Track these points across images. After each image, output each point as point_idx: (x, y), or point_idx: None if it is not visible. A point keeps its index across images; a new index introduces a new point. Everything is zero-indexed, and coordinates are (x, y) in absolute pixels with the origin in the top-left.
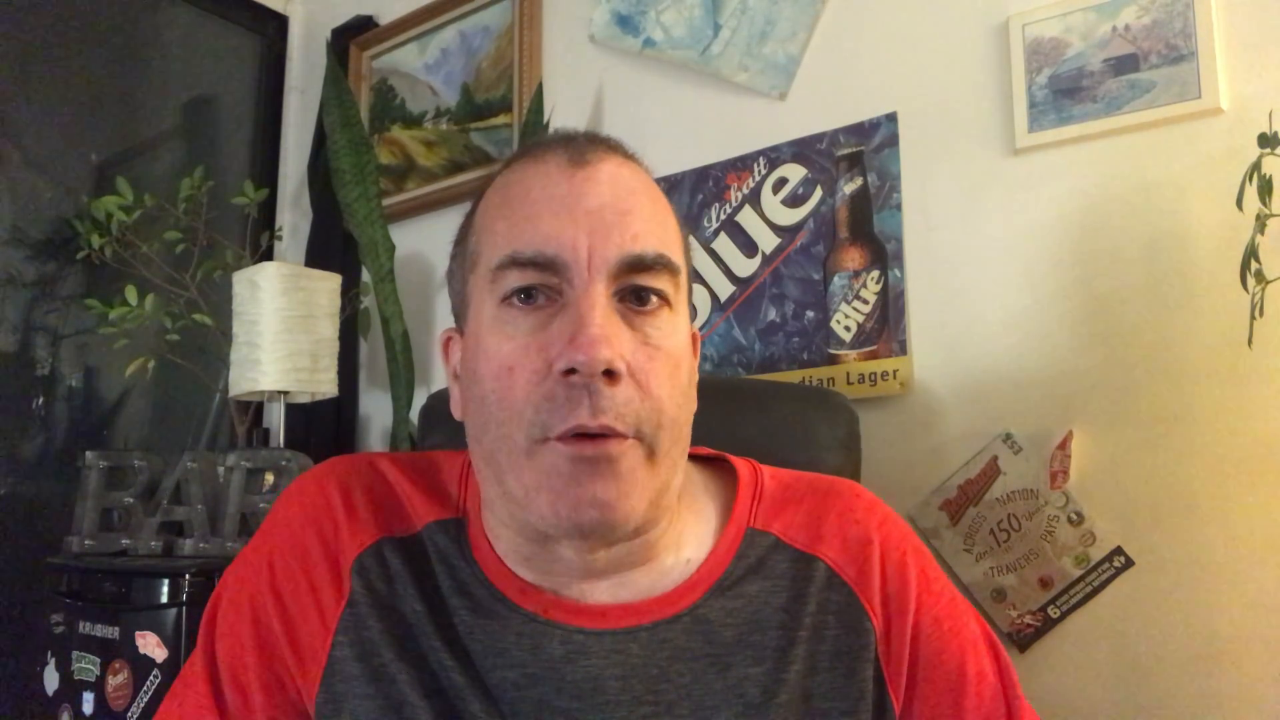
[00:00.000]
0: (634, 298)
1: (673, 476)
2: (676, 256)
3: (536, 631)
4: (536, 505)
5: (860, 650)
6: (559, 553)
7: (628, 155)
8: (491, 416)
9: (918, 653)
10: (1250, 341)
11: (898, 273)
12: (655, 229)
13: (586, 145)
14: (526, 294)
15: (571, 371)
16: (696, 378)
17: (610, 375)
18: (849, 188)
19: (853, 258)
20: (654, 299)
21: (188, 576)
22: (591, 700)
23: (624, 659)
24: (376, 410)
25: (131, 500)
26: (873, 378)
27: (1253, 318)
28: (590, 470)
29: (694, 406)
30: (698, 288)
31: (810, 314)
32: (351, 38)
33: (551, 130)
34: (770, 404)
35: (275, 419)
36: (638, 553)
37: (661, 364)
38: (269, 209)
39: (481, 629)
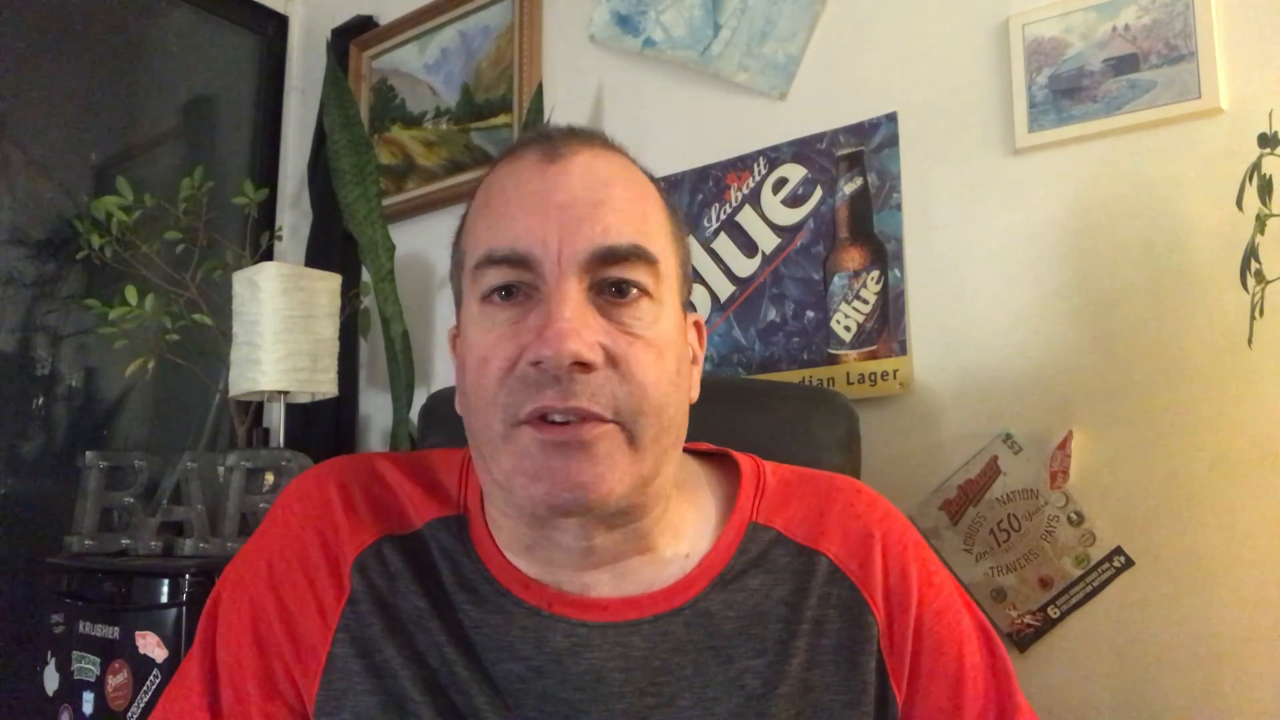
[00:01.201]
0: (611, 290)
1: (662, 465)
2: (654, 246)
3: (540, 625)
4: (515, 489)
5: (863, 643)
6: (558, 539)
7: (607, 145)
8: (472, 406)
9: (920, 645)
10: (1250, 341)
11: (898, 273)
12: (630, 219)
13: (560, 140)
14: (505, 290)
15: (539, 363)
16: (699, 365)
17: (583, 366)
18: (849, 188)
19: (853, 258)
20: (632, 290)
21: (188, 576)
22: (595, 692)
23: (626, 651)
24: (376, 410)
25: (131, 500)
26: (873, 378)
27: (1253, 318)
28: (561, 453)
29: (691, 395)
30: (698, 287)
31: (810, 314)
32: (351, 38)
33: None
34: (770, 404)
35: (275, 419)
36: (634, 541)
37: (643, 350)
38: (269, 209)
39: (486, 623)
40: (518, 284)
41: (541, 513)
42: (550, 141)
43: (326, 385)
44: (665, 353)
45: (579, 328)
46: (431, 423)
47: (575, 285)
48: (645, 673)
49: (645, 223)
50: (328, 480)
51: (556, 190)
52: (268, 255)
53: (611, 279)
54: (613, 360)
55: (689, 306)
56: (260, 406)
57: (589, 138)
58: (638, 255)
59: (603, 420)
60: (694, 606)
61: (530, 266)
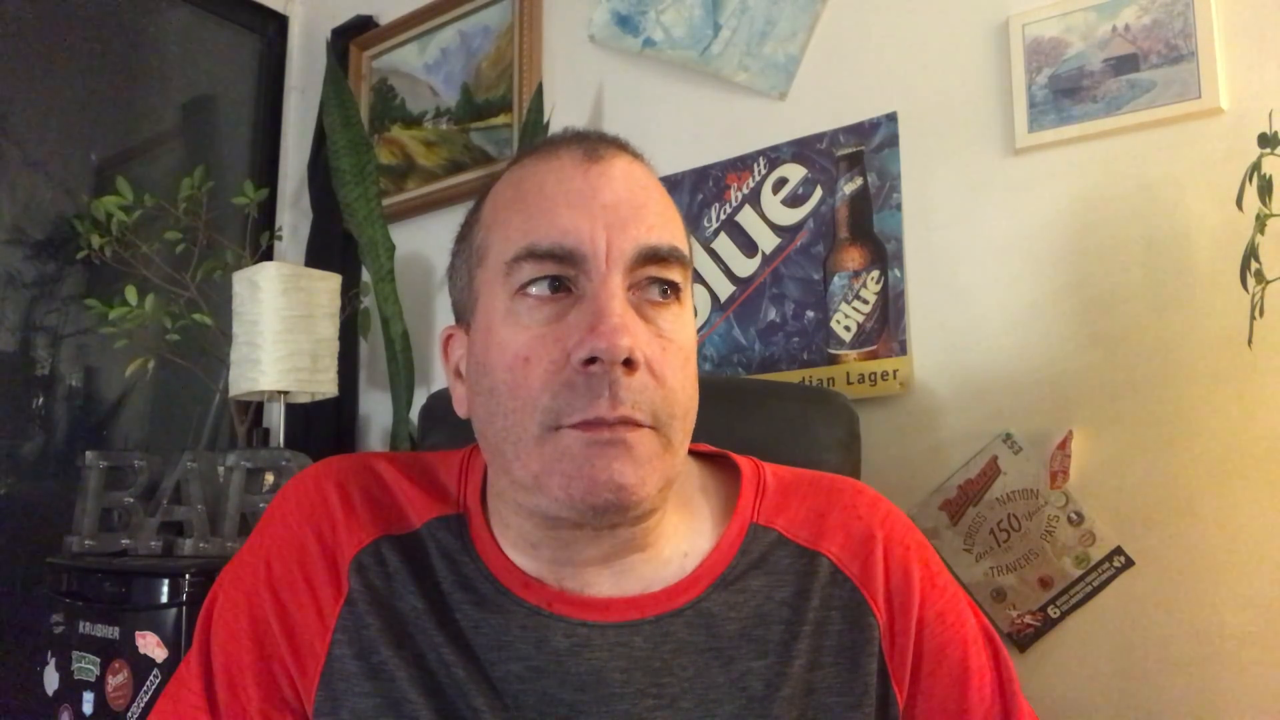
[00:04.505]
0: (647, 290)
1: (681, 466)
2: (686, 251)
3: (540, 624)
4: (548, 489)
5: (864, 645)
6: (566, 537)
7: (636, 154)
8: (501, 406)
9: (922, 647)
10: (1250, 341)
11: (898, 273)
12: (668, 223)
13: (599, 142)
14: (543, 286)
15: (591, 361)
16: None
17: (629, 365)
18: (849, 188)
19: (853, 258)
20: (667, 291)
21: (188, 576)
22: (595, 692)
23: (627, 651)
24: (376, 410)
25: (131, 500)
26: (873, 378)
27: (1253, 318)
28: (605, 453)
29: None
30: (698, 287)
31: (810, 314)
32: (351, 38)
33: (553, 130)
34: (770, 404)
35: (275, 419)
36: (639, 538)
37: (674, 355)
38: (269, 209)
39: (486, 623)
40: (558, 279)
41: (576, 511)
42: (589, 142)
43: (326, 385)
44: (690, 357)
45: (629, 325)
46: (431, 423)
47: (620, 283)
48: (646, 673)
49: (677, 228)
50: (325, 479)
51: (601, 190)
52: (268, 255)
53: (653, 277)
54: (649, 364)
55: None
56: (260, 406)
57: (622, 144)
58: (676, 257)
59: (642, 425)
60: (695, 607)
61: (575, 263)
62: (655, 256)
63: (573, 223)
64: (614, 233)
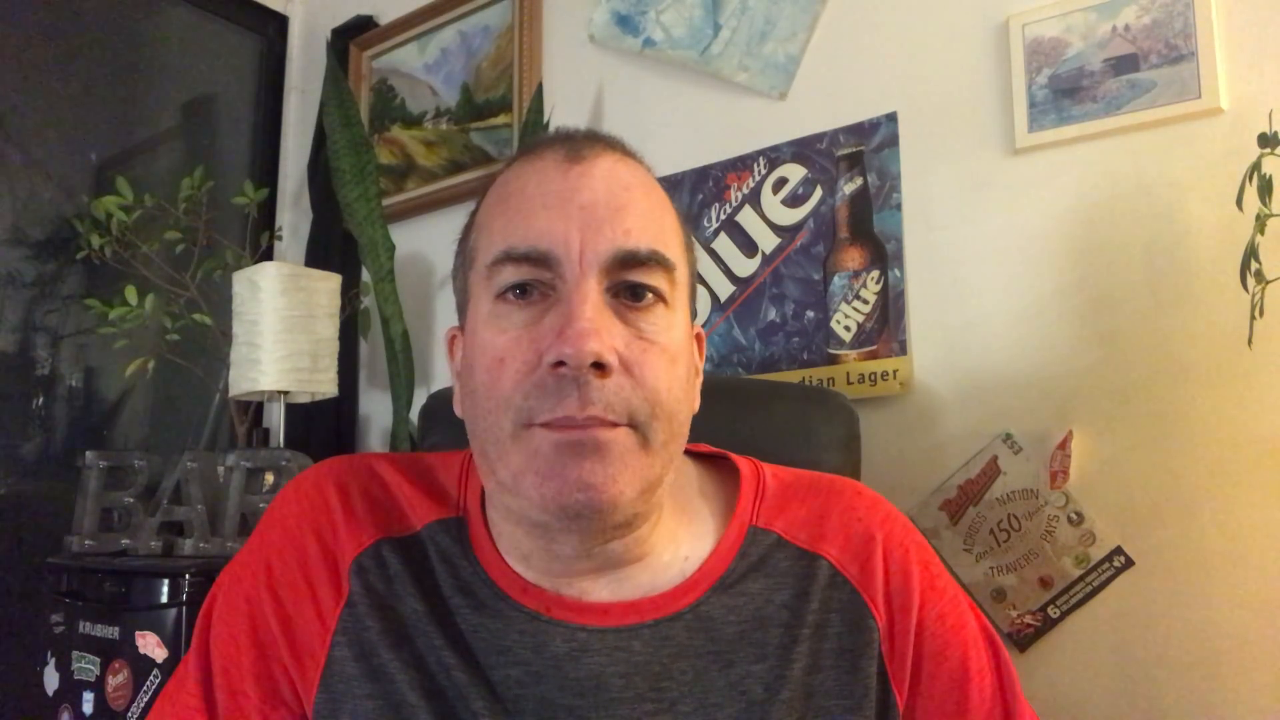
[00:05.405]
0: (628, 293)
1: (667, 471)
2: (672, 253)
3: (539, 629)
4: (524, 489)
5: (864, 648)
6: (556, 550)
7: (627, 152)
8: (481, 407)
9: (921, 649)
10: (1250, 341)
11: (898, 273)
12: (650, 225)
13: (583, 142)
14: (521, 289)
15: (560, 364)
16: (700, 378)
17: (600, 368)
18: (849, 188)
19: (853, 258)
20: (648, 295)
21: (188, 576)
22: (595, 697)
23: (627, 656)
24: (376, 410)
25: (131, 500)
26: (873, 378)
27: (1253, 318)
28: (575, 453)
29: (694, 405)
30: (698, 288)
31: (810, 314)
32: (351, 38)
33: (552, 130)
34: (770, 404)
35: (275, 419)
36: (633, 549)
37: (656, 357)
38: (269, 209)
39: (484, 627)
40: (535, 282)
41: (551, 513)
42: (573, 142)
43: (326, 385)
44: (677, 359)
45: (600, 329)
46: (431, 423)
47: (595, 286)
48: (646, 678)
49: (663, 230)
50: (326, 480)
51: (580, 191)
52: (268, 255)
53: (630, 283)
54: (626, 366)
55: (694, 315)
56: (260, 406)
57: (611, 143)
58: (656, 261)
59: (617, 424)
60: (694, 610)
61: (550, 265)
62: (634, 260)
63: (548, 225)
64: (588, 234)
